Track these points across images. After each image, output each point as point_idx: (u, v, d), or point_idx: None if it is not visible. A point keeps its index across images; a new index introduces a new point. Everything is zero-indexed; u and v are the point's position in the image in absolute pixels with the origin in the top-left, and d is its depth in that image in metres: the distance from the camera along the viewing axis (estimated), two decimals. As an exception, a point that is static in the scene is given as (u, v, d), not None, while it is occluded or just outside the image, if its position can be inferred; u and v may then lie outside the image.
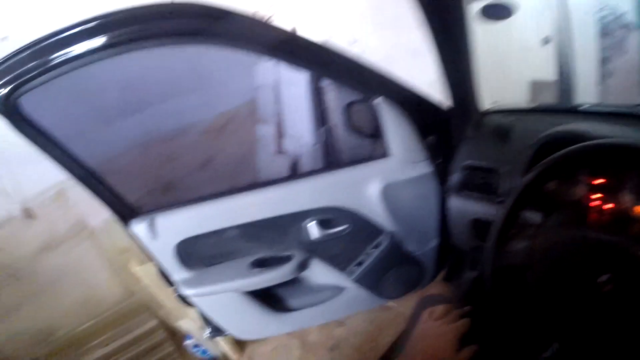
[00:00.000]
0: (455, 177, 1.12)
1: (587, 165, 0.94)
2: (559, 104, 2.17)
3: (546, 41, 2.74)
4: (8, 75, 0.83)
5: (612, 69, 2.96)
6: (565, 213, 0.95)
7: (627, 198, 0.88)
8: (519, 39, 2.72)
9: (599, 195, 0.93)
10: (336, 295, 1.33)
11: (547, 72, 2.77)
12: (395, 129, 1.10)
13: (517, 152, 1.02)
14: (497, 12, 0.90)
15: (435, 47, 0.92)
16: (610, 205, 0.91)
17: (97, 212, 2.08)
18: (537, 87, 2.81)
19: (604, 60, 2.95)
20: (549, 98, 2.71)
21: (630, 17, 2.79)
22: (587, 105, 1.24)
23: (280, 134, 2.35)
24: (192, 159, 2.26)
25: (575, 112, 1.19)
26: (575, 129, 0.94)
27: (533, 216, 0.91)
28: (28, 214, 1.96)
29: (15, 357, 2.04)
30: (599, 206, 0.93)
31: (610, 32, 2.90)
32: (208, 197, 1.17)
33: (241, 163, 2.44)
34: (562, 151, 0.80)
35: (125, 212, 1.16)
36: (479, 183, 1.08)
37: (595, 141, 0.79)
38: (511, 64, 2.64)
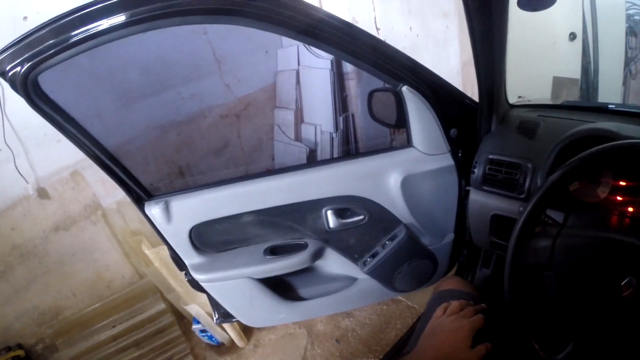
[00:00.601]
0: (477, 171, 1.10)
1: (612, 166, 0.92)
2: (587, 102, 2.13)
3: (572, 37, 2.69)
4: (26, 53, 0.81)
5: (637, 70, 2.90)
6: (588, 214, 0.93)
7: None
8: (545, 34, 2.68)
9: (622, 197, 0.91)
10: (347, 287, 1.32)
11: (571, 69, 2.72)
12: (419, 119, 1.07)
13: (543, 149, 1.00)
14: (536, 2, 0.87)
15: (472, 34, 0.89)
16: (633, 208, 0.90)
17: (111, 194, 2.12)
18: (559, 83, 2.76)
19: (629, 61, 2.89)
20: (571, 95, 2.67)
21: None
22: (615, 105, 1.20)
23: (299, 120, 2.34)
24: (209, 143, 2.26)
25: (603, 111, 1.16)
26: (604, 128, 0.91)
27: (556, 215, 0.90)
28: (42, 194, 1.97)
29: (22, 335, 2.06)
30: (622, 209, 0.91)
31: (638, 32, 2.83)
32: (224, 182, 1.16)
33: (258, 148, 2.43)
34: (591, 150, 0.77)
35: (140, 194, 1.16)
36: (501, 178, 1.05)
37: (625, 141, 0.76)
38: (536, 58, 2.60)
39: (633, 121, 0.98)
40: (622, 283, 0.71)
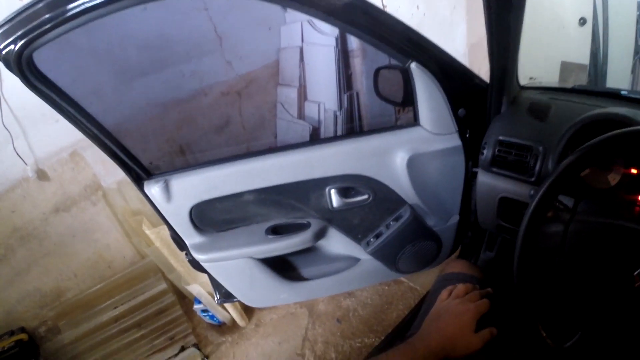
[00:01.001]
0: (486, 152, 1.07)
1: (624, 153, 0.90)
2: (598, 87, 2.09)
3: (582, 22, 2.63)
4: (20, 30, 0.78)
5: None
6: (599, 201, 0.91)
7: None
8: (554, 18, 2.63)
9: (633, 185, 0.88)
10: (350, 267, 1.31)
11: (580, 54, 2.68)
12: (427, 97, 1.04)
13: (555, 132, 0.97)
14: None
15: (488, 10, 0.87)
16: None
17: (111, 173, 2.10)
18: (567, 68, 2.72)
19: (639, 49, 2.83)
20: (578, 81, 2.63)
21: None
22: (627, 91, 1.17)
23: (303, 97, 2.30)
24: (210, 121, 2.22)
25: (615, 96, 1.12)
26: (619, 113, 0.88)
27: (565, 201, 0.88)
28: (41, 175, 1.95)
29: (24, 319, 2.08)
30: (633, 197, 0.89)
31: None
32: (225, 160, 1.13)
33: (261, 126, 2.40)
34: (608, 134, 0.74)
35: (140, 173, 1.13)
36: (511, 160, 1.02)
37: (620, 131, 0.73)
38: (544, 42, 2.56)
39: None
40: (636, 273, 0.69)
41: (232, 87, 2.26)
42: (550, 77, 2.59)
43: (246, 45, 2.20)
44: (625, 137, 0.75)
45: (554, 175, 0.76)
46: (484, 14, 0.88)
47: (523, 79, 1.18)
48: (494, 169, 1.06)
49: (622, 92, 1.13)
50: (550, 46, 2.64)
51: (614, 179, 0.91)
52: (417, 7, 2.24)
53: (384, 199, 1.16)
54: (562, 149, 0.94)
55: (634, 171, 0.88)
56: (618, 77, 2.73)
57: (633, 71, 2.88)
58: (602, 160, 0.91)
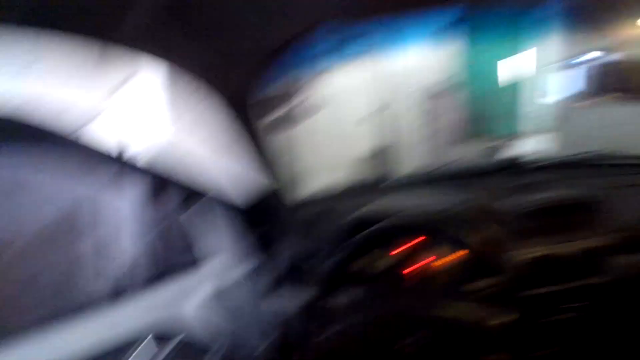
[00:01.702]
0: (271, 273, 1.15)
1: (386, 239, 1.06)
2: (368, 181, 2.43)
3: (369, 117, 3.05)
4: None
5: (429, 133, 3.38)
6: (371, 287, 1.04)
7: (419, 260, 1.02)
8: (340, 118, 3.05)
9: (398, 264, 1.04)
10: None
11: (369, 147, 3.10)
12: (216, 232, 1.10)
13: (329, 236, 1.10)
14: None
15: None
16: (408, 270, 1.03)
17: None
18: (358, 163, 3.08)
19: (423, 125, 3.37)
20: (370, 172, 3.01)
21: (454, 80, 3.25)
22: (388, 182, 1.43)
23: (99, 252, 2.09)
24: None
25: (378, 189, 1.36)
26: (370, 212, 1.08)
27: (341, 298, 0.99)
28: None
29: None
30: (399, 274, 1.04)
31: (435, 95, 3.31)
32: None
33: (56, 292, 2.07)
34: (353, 239, 0.90)
35: None
36: (293, 278, 1.12)
37: (376, 226, 0.92)
38: (332, 143, 2.90)
39: (408, 190, 1.25)
40: (400, 344, 0.86)
41: (15, 249, 1.97)
42: (343, 174, 2.91)
43: (34, 195, 1.98)
44: (375, 233, 0.90)
45: (317, 284, 0.86)
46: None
47: (314, 188, 1.38)
48: (280, 288, 1.14)
49: (383, 184, 1.40)
50: (338, 146, 2.99)
51: (384, 262, 1.05)
52: (189, 143, 2.31)
53: (192, 344, 1.07)
54: (332, 254, 1.06)
55: (397, 251, 1.04)
56: (408, 155, 3.23)
57: (417, 147, 3.38)
58: (366, 251, 1.05)
